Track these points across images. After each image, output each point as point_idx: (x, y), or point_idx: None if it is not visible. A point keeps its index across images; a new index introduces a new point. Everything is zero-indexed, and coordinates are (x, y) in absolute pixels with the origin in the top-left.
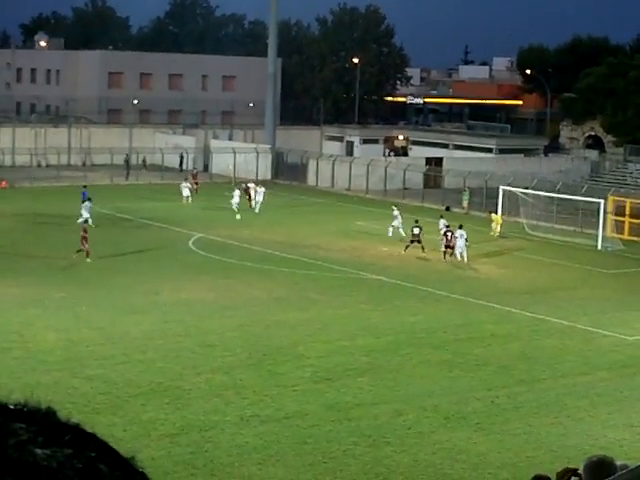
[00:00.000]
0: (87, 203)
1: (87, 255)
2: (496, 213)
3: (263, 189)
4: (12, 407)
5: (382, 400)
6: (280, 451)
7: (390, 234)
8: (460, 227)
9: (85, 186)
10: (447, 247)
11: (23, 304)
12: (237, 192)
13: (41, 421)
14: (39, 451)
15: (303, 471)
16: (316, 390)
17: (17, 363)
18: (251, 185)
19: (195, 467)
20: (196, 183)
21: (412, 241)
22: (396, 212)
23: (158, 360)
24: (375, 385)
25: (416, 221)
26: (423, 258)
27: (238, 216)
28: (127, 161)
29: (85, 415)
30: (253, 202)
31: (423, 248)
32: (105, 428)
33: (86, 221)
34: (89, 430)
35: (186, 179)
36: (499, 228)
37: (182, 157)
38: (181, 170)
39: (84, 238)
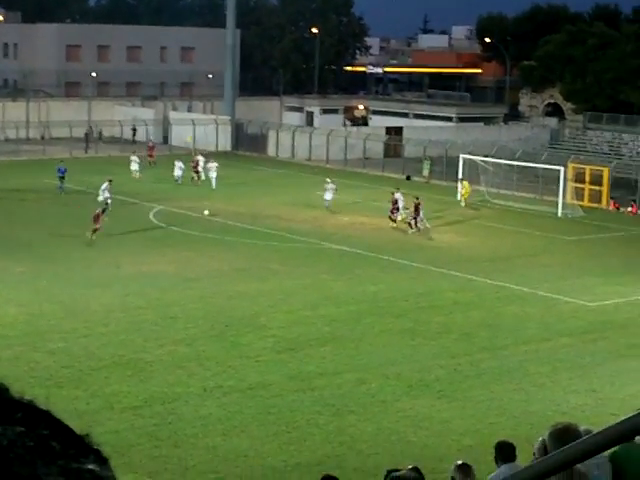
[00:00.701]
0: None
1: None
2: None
3: (215, 164)
4: None
5: (345, 369)
6: (244, 421)
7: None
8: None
9: (62, 161)
10: (415, 218)
11: None
12: (179, 164)
13: None
14: None
15: (267, 441)
16: (279, 360)
17: None
18: (200, 158)
19: (159, 439)
20: (150, 155)
21: (392, 210)
22: (330, 185)
23: (120, 333)
24: (338, 354)
25: (397, 189)
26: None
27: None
28: (87, 134)
29: (48, 389)
30: (200, 176)
31: (394, 220)
32: (68, 402)
33: (106, 203)
34: (43, 407)
35: (134, 152)
36: (465, 196)
37: (135, 129)
38: (133, 142)
39: (97, 216)
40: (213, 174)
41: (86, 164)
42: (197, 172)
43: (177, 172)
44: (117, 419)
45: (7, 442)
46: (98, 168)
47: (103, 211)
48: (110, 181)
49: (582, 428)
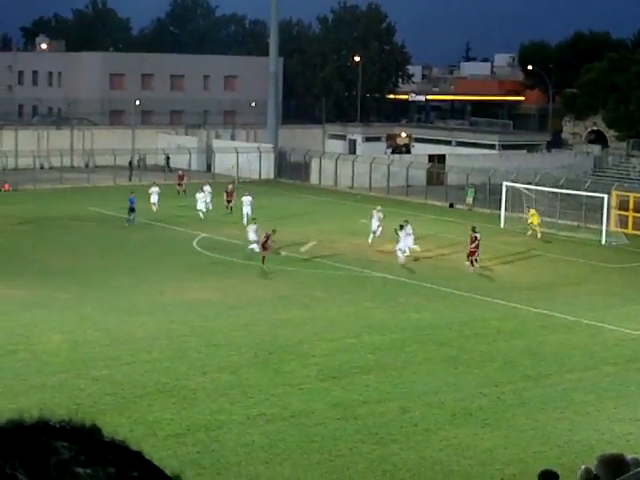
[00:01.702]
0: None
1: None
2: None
3: (250, 198)
4: (55, 425)
5: (388, 397)
6: (287, 450)
7: (370, 240)
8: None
9: (132, 192)
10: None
11: (28, 306)
12: (200, 195)
13: (84, 439)
14: (81, 470)
15: (310, 469)
16: (322, 388)
17: (22, 365)
18: (207, 188)
19: (202, 467)
20: (180, 184)
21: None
22: (377, 214)
23: (164, 360)
24: (381, 382)
25: (473, 228)
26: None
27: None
28: (131, 162)
29: (91, 416)
30: (232, 206)
31: (476, 260)
32: (111, 429)
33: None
34: (134, 448)
35: (154, 183)
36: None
37: (168, 157)
38: (170, 171)
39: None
40: (247, 208)
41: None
42: (229, 201)
43: (153, 198)
44: (160, 446)
45: None
46: (140, 196)
47: (267, 237)
48: (132, 192)
49: (629, 457)
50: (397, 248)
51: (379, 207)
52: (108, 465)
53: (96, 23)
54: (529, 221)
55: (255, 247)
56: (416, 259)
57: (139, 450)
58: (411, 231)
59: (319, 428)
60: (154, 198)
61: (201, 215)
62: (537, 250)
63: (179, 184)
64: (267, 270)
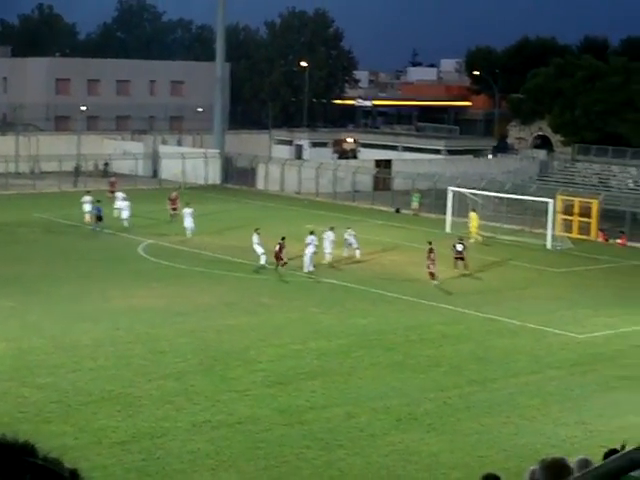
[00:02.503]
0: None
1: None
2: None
3: (191, 210)
4: None
5: (334, 403)
6: (233, 456)
7: (345, 254)
8: (331, 229)
9: (99, 200)
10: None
11: None
12: (88, 198)
13: (9, 458)
14: None
15: (256, 476)
16: (268, 394)
17: None
18: (119, 195)
19: (147, 474)
20: (111, 192)
21: (456, 258)
22: (349, 234)
23: (109, 367)
24: (327, 388)
25: (460, 238)
26: (468, 275)
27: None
28: (77, 168)
29: (36, 424)
30: (176, 214)
31: (466, 265)
32: (56, 437)
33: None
34: (67, 467)
35: (88, 192)
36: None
37: (107, 164)
38: (105, 175)
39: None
40: (188, 220)
41: (76, 198)
42: (174, 209)
43: (87, 207)
44: (105, 454)
45: None
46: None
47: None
48: (99, 201)
49: (581, 457)
50: (308, 253)
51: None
52: None
53: (42, 28)
54: (469, 224)
55: (263, 259)
56: (332, 265)
57: (74, 469)
58: (333, 237)
59: (265, 434)
60: (87, 207)
61: (86, 217)
62: (483, 255)
63: (111, 191)
64: (282, 274)
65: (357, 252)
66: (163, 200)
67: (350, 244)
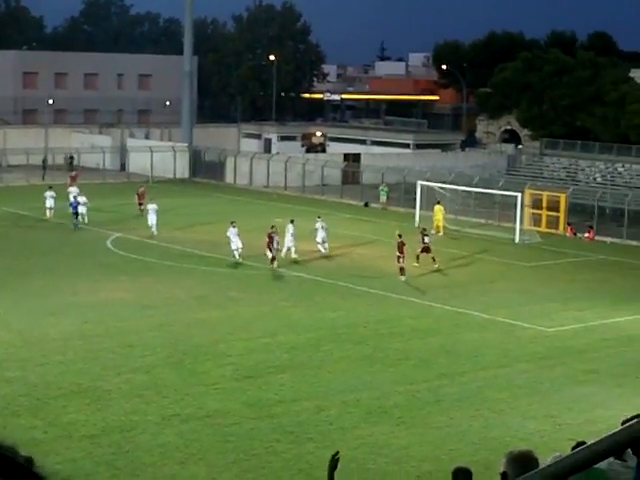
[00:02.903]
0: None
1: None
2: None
3: (154, 206)
4: None
5: (304, 396)
6: (202, 449)
7: (323, 250)
8: (291, 222)
9: (75, 196)
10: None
11: None
12: (50, 193)
13: None
14: None
15: (225, 469)
16: (237, 388)
17: None
18: (72, 189)
19: (117, 468)
20: (140, 204)
21: (422, 250)
22: (319, 224)
23: (78, 361)
24: (296, 382)
25: (424, 229)
26: (437, 269)
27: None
28: (45, 161)
29: (5, 418)
30: (143, 209)
31: (434, 259)
32: (25, 430)
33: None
34: (22, 455)
35: (50, 187)
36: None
37: (72, 157)
38: (71, 170)
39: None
40: (152, 217)
41: (44, 191)
42: (140, 204)
43: (49, 202)
44: (75, 448)
45: None
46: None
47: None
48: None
49: (557, 454)
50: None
51: (318, 218)
52: None
53: (9, 21)
54: (434, 217)
55: (236, 254)
56: (295, 261)
57: (29, 457)
58: (293, 230)
59: (234, 428)
60: (49, 202)
61: (47, 213)
62: (451, 249)
63: (71, 185)
64: (276, 271)
65: (322, 247)
66: (131, 194)
67: (317, 236)
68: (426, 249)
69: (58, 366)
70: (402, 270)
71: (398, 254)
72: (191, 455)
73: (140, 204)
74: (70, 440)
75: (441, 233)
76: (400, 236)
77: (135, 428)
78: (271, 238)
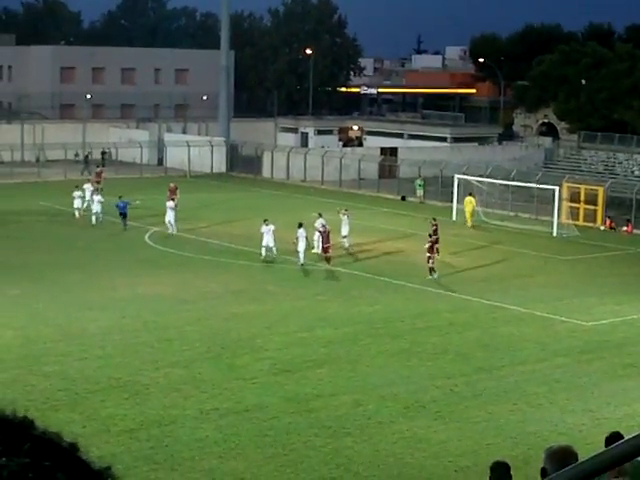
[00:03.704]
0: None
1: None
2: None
3: (172, 203)
4: None
5: (341, 391)
6: (240, 444)
7: (347, 245)
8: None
9: (120, 196)
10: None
11: None
12: (78, 193)
13: (7, 430)
14: None
15: (264, 464)
16: (275, 382)
17: None
18: (87, 187)
19: (156, 462)
20: (98, 182)
21: (432, 245)
22: (344, 217)
23: (116, 355)
24: (334, 376)
25: (434, 219)
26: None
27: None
28: (87, 156)
29: (43, 412)
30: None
31: (438, 250)
32: (64, 425)
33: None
34: (66, 441)
35: (77, 187)
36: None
37: (104, 152)
38: (103, 165)
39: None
40: (170, 215)
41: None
42: (172, 199)
43: (77, 202)
44: (113, 442)
45: (7, 473)
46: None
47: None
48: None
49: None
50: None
51: (344, 210)
52: (22, 455)
53: (46, 16)
54: (465, 208)
55: (273, 251)
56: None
57: (73, 442)
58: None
59: (272, 422)
60: (77, 203)
61: (76, 214)
62: (489, 242)
63: (97, 181)
64: (332, 271)
65: (346, 240)
66: (164, 192)
67: (342, 229)
68: (435, 242)
69: (97, 360)
70: (431, 270)
71: (429, 254)
72: (229, 449)
73: (172, 200)
74: (109, 434)
75: (470, 224)
76: (431, 234)
77: (173, 422)
78: (326, 236)
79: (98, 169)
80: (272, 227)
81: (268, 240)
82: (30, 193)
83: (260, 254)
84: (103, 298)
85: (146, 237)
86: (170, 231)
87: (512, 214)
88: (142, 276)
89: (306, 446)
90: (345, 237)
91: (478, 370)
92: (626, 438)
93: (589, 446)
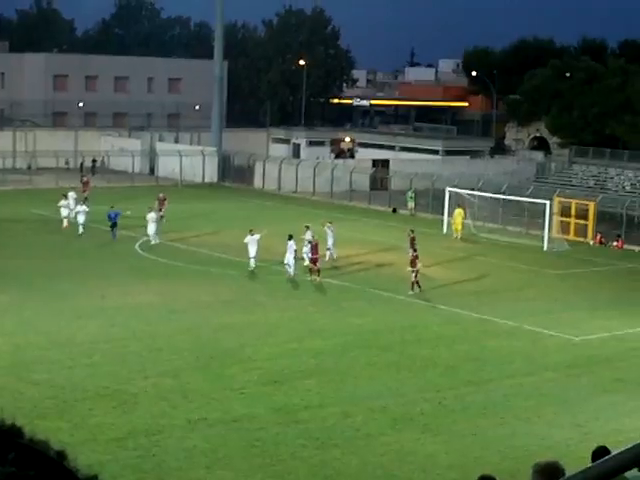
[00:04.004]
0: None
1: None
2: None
3: (84, 207)
4: None
5: (330, 402)
6: (228, 454)
7: (327, 258)
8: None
9: (112, 206)
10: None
11: None
12: (64, 202)
13: None
14: None
15: (251, 474)
16: (264, 393)
17: None
18: (71, 194)
19: (143, 471)
20: (84, 191)
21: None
22: (328, 229)
23: (105, 364)
24: (323, 387)
25: (411, 230)
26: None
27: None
28: (82, 164)
29: (31, 420)
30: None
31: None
32: (52, 433)
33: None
34: (54, 449)
35: (64, 196)
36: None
37: (94, 161)
38: (93, 174)
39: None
40: (151, 227)
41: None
42: (160, 210)
43: (64, 212)
44: (101, 451)
45: None
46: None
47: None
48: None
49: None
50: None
51: (329, 223)
52: (8, 464)
53: (40, 24)
54: (453, 220)
55: (252, 262)
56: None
57: (61, 450)
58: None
59: (260, 433)
60: (64, 212)
61: (64, 223)
62: (479, 256)
63: (83, 190)
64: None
65: (328, 253)
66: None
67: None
68: (415, 258)
69: (85, 369)
70: (415, 284)
71: (412, 268)
72: (217, 460)
73: (160, 210)
74: (96, 443)
75: (459, 236)
76: (411, 234)
77: (161, 432)
78: (314, 248)
79: (85, 178)
80: (257, 236)
81: (252, 250)
82: (21, 200)
83: (249, 265)
84: (92, 306)
85: (136, 246)
86: (153, 242)
87: (503, 227)
88: (132, 285)
89: (294, 457)
90: (329, 249)
91: (467, 383)
92: (614, 453)
93: (577, 461)
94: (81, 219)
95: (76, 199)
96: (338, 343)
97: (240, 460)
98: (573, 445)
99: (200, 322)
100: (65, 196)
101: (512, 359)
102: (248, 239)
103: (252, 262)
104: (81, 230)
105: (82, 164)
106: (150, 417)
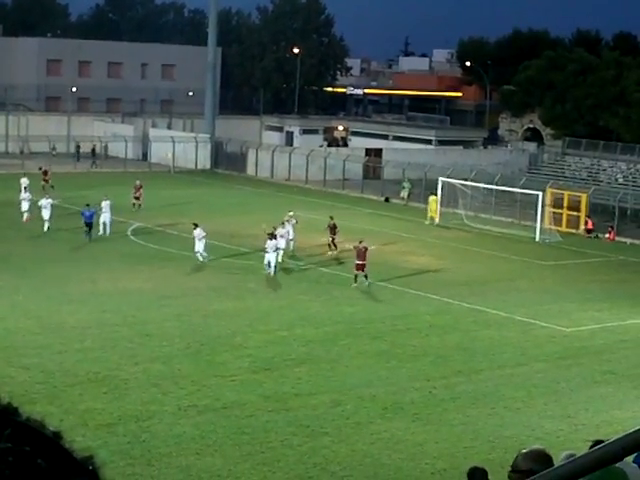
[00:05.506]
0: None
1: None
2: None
3: (108, 202)
4: None
5: (320, 390)
6: (218, 441)
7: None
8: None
9: (87, 204)
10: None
11: None
12: (26, 195)
13: None
14: None
15: (241, 461)
16: (254, 380)
17: None
18: (24, 180)
19: (132, 457)
20: (45, 181)
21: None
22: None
23: (95, 350)
24: (313, 375)
25: (331, 217)
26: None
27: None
28: (77, 149)
29: (21, 405)
30: (140, 203)
31: (333, 246)
32: (42, 418)
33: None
34: (50, 429)
35: (25, 189)
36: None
37: (78, 146)
38: (77, 160)
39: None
40: (105, 216)
41: (67, 179)
42: (137, 198)
43: (25, 205)
44: (91, 436)
45: None
46: (77, 182)
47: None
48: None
49: (567, 452)
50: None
51: (291, 212)
52: (3, 440)
53: (34, 8)
54: (428, 207)
55: (199, 256)
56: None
57: (57, 431)
58: (285, 232)
59: (250, 420)
60: (25, 206)
61: (24, 216)
62: (471, 246)
63: (44, 180)
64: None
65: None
66: (152, 183)
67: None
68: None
69: (75, 354)
70: (356, 277)
71: (358, 262)
72: (207, 446)
73: (136, 198)
74: (86, 428)
75: (436, 222)
76: (332, 218)
77: (151, 418)
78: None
79: (43, 168)
80: (204, 233)
81: (199, 246)
82: (13, 185)
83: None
84: (83, 292)
85: (128, 232)
86: (201, 260)
87: (495, 218)
88: (123, 271)
89: (283, 445)
90: (291, 240)
91: (457, 373)
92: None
93: (576, 451)
94: (46, 214)
95: (27, 186)
96: (329, 331)
97: (230, 447)
98: (563, 436)
99: (191, 309)
100: (26, 189)
101: (503, 349)
102: (195, 234)
103: (199, 256)
104: (47, 227)
105: (77, 148)
106: (140, 403)
